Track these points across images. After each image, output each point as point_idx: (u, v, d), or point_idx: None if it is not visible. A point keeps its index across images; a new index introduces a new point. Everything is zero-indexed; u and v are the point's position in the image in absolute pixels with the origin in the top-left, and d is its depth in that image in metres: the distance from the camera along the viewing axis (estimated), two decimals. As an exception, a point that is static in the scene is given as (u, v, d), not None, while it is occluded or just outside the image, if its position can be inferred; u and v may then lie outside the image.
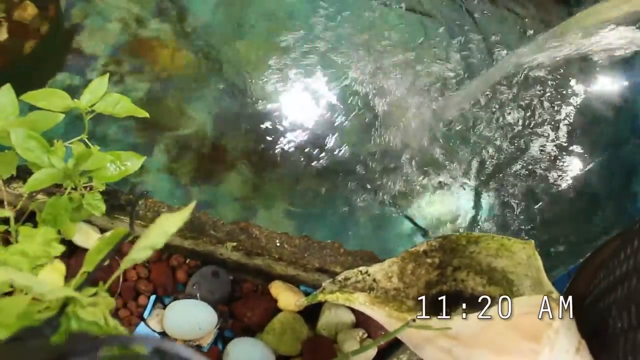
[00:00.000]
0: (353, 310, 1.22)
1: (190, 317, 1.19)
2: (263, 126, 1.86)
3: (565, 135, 1.95)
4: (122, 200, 1.20)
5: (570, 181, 1.90)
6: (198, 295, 1.23)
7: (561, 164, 1.92)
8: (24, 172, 1.07)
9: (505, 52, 2.03)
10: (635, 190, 1.90)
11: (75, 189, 1.01)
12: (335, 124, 1.89)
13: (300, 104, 1.91)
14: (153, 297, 1.25)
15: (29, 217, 1.05)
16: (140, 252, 0.65)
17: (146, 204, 1.22)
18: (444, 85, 1.97)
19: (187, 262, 1.30)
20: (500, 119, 1.95)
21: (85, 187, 1.02)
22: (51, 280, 1.11)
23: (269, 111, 1.88)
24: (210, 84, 1.90)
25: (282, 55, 1.95)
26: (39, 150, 0.92)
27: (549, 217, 1.86)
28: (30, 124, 0.95)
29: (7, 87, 0.95)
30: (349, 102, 1.92)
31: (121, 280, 1.24)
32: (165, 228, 0.64)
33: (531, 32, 2.06)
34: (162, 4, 1.99)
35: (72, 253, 1.19)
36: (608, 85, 2.02)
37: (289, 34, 1.98)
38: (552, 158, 1.92)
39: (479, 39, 2.04)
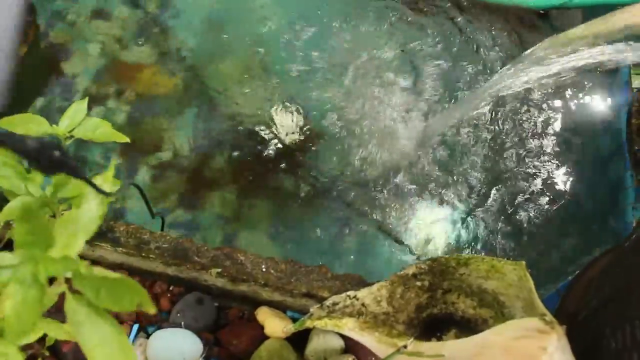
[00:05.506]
0: (342, 336, 1.20)
1: (175, 347, 1.15)
2: (246, 149, 1.84)
3: (550, 153, 1.95)
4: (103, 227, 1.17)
5: (556, 198, 1.90)
6: (182, 323, 1.20)
7: (547, 181, 1.91)
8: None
9: (488, 72, 2.03)
10: (622, 206, 1.90)
11: (53, 216, 0.97)
12: (320, 145, 1.88)
13: (283, 126, 1.89)
14: (136, 327, 1.22)
15: (6, 246, 1.02)
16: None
17: (127, 230, 1.19)
18: (430, 108, 1.97)
19: (170, 289, 1.27)
20: (485, 139, 1.94)
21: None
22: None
23: (253, 134, 1.86)
24: (192, 107, 1.88)
25: (265, 78, 1.94)
26: (15, 178, 0.88)
27: (536, 235, 1.85)
28: (6, 151, 0.92)
29: (-18, 112, 0.92)
30: (333, 123, 1.91)
31: (102, 309, 1.21)
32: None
33: (512, 52, 2.07)
34: (145, 27, 1.97)
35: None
36: (592, 102, 2.03)
37: (273, 57, 1.97)
38: (538, 176, 1.91)
39: (462, 60, 2.05)
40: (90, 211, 0.71)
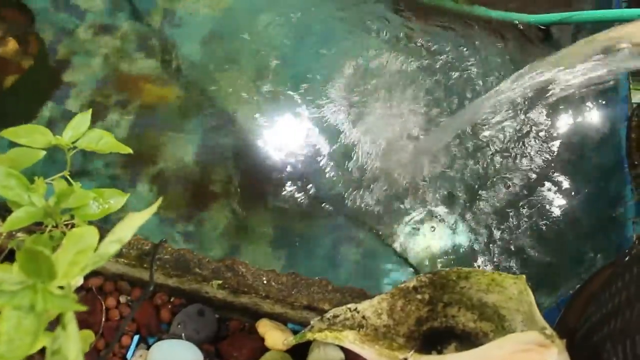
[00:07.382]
0: (342, 349, 1.19)
1: (175, 358, 1.15)
2: (248, 161, 1.85)
3: (550, 166, 1.95)
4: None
5: (556, 212, 1.90)
6: (183, 334, 1.20)
7: (547, 195, 1.92)
8: (3, 210, 1.04)
9: (488, 86, 2.05)
10: (622, 219, 1.90)
11: (56, 226, 0.98)
12: (321, 159, 1.88)
13: (285, 139, 1.90)
14: (136, 338, 1.22)
15: (8, 256, 1.02)
16: (109, 246, 0.66)
17: (129, 241, 1.19)
18: (429, 121, 1.98)
19: (171, 300, 1.27)
20: (486, 153, 1.95)
21: (66, 225, 0.99)
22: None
23: (255, 146, 1.87)
24: (195, 119, 1.89)
25: (267, 91, 1.95)
26: (18, 188, 0.89)
27: (536, 249, 1.85)
28: (10, 161, 0.93)
29: (-14, 123, 0.93)
30: (335, 137, 1.92)
31: (103, 319, 1.21)
32: (132, 223, 0.67)
33: (513, 68, 2.08)
34: (148, 40, 1.99)
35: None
36: (591, 116, 2.04)
37: (274, 70, 1.98)
38: (538, 190, 1.92)
39: (462, 74, 2.06)
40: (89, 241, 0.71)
